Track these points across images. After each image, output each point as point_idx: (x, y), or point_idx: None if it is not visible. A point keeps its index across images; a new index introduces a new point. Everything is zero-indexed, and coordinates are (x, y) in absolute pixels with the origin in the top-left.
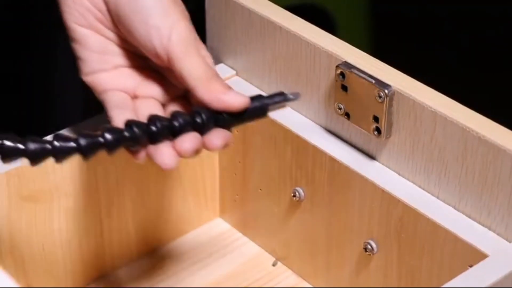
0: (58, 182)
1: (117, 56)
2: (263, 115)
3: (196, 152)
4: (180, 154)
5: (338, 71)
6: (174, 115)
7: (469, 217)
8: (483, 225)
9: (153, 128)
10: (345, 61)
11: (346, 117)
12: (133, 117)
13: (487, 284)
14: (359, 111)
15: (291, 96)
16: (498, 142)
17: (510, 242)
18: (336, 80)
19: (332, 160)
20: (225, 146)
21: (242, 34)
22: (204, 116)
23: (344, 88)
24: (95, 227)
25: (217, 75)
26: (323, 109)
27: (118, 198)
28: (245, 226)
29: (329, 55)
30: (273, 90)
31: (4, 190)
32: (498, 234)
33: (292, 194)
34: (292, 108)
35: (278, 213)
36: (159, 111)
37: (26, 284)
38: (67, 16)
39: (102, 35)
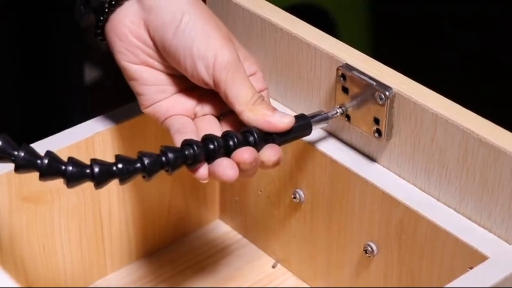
0: (59, 183)
1: (172, 85)
2: (308, 132)
3: (253, 164)
4: (239, 165)
5: (339, 73)
6: (228, 134)
7: (470, 219)
8: (483, 227)
9: (211, 146)
10: (346, 63)
11: (346, 119)
12: (194, 138)
13: (487, 285)
14: (360, 113)
15: (330, 114)
16: (498, 144)
17: (510, 244)
18: (337, 82)
19: (333, 162)
20: (279, 162)
21: (242, 36)
22: (256, 135)
23: (345, 90)
24: (95, 228)
25: (261, 98)
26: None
27: (118, 199)
28: (245, 228)
29: (330, 57)
30: (273, 91)
31: (5, 191)
32: (498, 236)
33: (293, 196)
34: (292, 110)
35: (278, 215)
36: (217, 127)
37: (26, 284)
38: (119, 56)
39: (155, 68)
